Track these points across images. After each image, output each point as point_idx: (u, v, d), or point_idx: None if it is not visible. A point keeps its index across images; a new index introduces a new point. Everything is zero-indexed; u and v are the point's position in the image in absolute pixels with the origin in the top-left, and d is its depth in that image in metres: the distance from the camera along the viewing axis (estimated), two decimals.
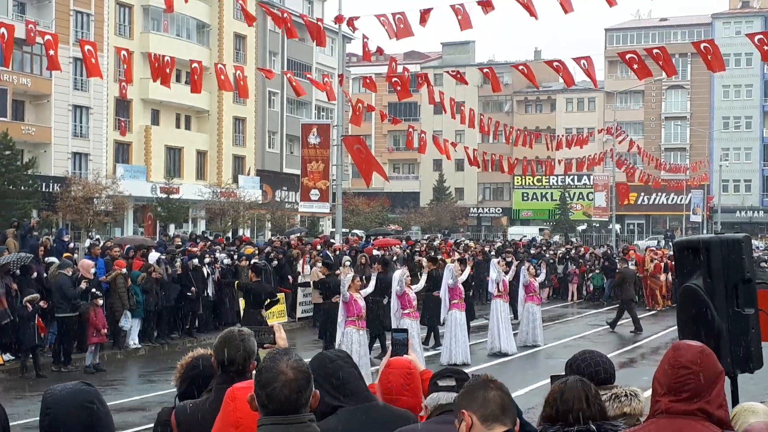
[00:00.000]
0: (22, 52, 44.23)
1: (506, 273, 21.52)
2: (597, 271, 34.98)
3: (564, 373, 4.71)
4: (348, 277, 16.23)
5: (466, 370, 13.95)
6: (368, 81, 27.55)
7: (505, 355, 19.75)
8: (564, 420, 3.74)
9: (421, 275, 19.80)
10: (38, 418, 3.45)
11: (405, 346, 5.16)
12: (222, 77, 21.92)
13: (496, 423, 3.29)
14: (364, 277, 17.31)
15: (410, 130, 33.27)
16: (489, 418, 3.29)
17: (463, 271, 19.85)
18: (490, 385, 3.37)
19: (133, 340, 20.15)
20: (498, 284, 20.52)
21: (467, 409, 3.34)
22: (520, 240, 47.90)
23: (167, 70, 20.48)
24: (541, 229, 70.84)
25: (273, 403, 3.23)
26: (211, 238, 34.74)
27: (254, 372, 3.42)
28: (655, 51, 18.97)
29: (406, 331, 5.42)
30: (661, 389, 3.49)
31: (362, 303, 16.26)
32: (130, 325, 19.81)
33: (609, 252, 38.13)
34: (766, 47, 17.04)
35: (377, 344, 18.81)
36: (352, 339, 15.84)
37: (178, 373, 5.19)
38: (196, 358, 5.16)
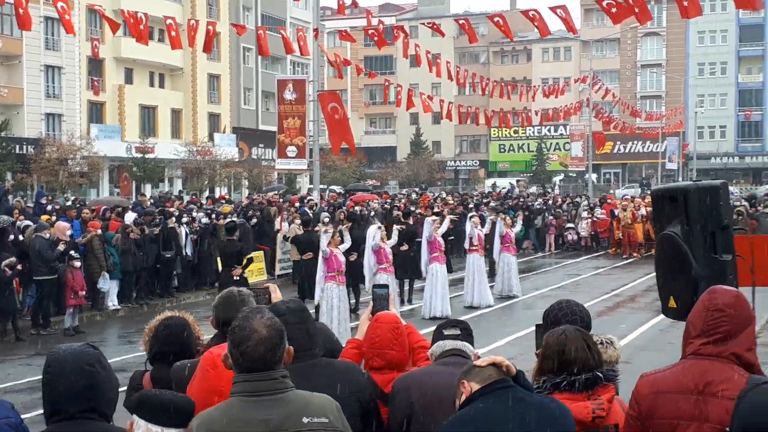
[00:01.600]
0: None
1: (481, 227, 21.54)
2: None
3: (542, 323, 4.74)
4: (327, 232, 16.23)
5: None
6: (344, 34, 27.32)
7: (481, 308, 19.86)
8: (567, 370, 3.78)
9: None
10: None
11: (386, 300, 5.20)
12: (193, 34, 21.60)
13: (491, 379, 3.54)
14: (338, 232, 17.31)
15: (386, 84, 33.06)
16: (487, 379, 3.53)
17: (441, 224, 19.86)
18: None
19: (112, 302, 20.09)
20: (472, 238, 20.57)
21: (466, 380, 3.57)
22: (498, 192, 47.96)
23: (140, 27, 20.21)
24: (517, 181, 71.00)
25: (247, 361, 3.25)
26: (187, 197, 34.61)
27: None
28: None
29: (387, 286, 5.44)
30: (694, 331, 3.64)
31: (342, 258, 16.31)
32: (109, 286, 19.72)
33: (527, 202, 37.48)
34: None
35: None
36: (332, 294, 15.90)
37: (146, 337, 5.17)
38: (166, 319, 5.15)
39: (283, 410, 3.21)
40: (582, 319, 4.78)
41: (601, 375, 3.81)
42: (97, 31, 50.03)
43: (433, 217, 19.94)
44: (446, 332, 4.59)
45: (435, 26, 25.49)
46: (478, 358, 4.41)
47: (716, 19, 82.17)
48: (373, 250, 17.37)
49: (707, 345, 3.56)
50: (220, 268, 18.89)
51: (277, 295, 5.12)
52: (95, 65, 51.64)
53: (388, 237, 18.44)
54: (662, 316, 5.92)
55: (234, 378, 3.29)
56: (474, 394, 3.50)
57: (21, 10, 18.07)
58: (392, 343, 4.79)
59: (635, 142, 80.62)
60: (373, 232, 17.52)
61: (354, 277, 18.49)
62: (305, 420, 3.22)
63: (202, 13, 54.29)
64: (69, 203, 26.60)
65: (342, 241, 16.75)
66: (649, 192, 38.52)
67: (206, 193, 47.49)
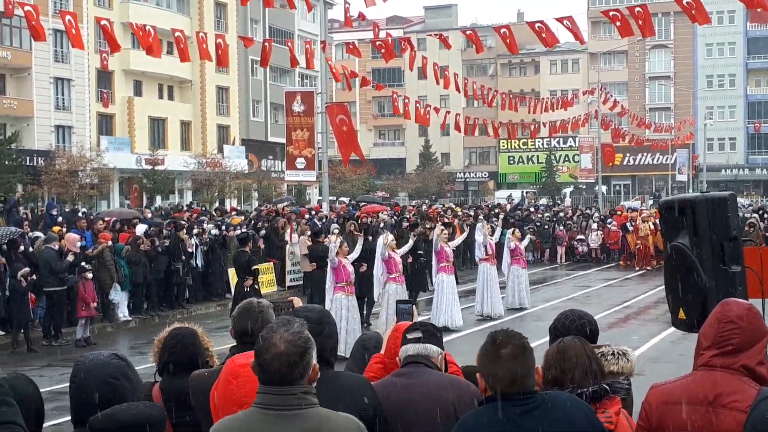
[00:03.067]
0: (0, 25, 43.75)
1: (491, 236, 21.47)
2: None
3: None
4: (335, 243, 16.25)
5: (459, 334, 14.12)
6: (351, 47, 27.41)
7: (492, 318, 19.81)
8: (570, 378, 3.77)
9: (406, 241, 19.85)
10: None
11: (411, 315, 5.21)
12: (204, 46, 21.74)
13: (503, 392, 3.41)
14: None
15: (394, 96, 33.15)
16: (498, 382, 3.41)
17: (449, 235, 19.84)
18: (502, 356, 3.42)
19: (123, 313, 20.15)
20: (485, 247, 20.54)
21: (480, 373, 3.48)
22: (506, 203, 47.92)
23: (149, 39, 20.34)
24: (526, 192, 70.97)
25: (263, 374, 3.24)
26: (198, 208, 34.66)
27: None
28: (636, 10, 18.90)
29: (411, 301, 5.48)
30: (705, 342, 3.65)
31: (350, 268, 16.33)
32: (120, 297, 19.79)
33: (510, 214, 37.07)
34: (693, 11, 16.98)
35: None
36: (341, 305, 15.91)
37: (156, 348, 5.21)
38: (175, 330, 5.18)
39: (297, 427, 3.18)
40: (590, 327, 4.82)
41: (607, 387, 3.80)
42: (106, 43, 50.19)
43: (441, 228, 19.94)
44: (408, 336, 4.56)
45: (442, 38, 25.59)
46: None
47: (724, 32, 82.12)
48: (382, 260, 17.35)
49: (718, 357, 3.56)
50: (232, 279, 18.97)
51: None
52: (104, 77, 51.87)
53: (398, 247, 18.45)
54: (674, 327, 5.92)
55: (258, 389, 3.29)
56: (489, 397, 3.45)
57: (33, 22, 18.24)
58: None
59: (645, 154, 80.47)
60: (382, 241, 17.55)
61: (364, 289, 18.50)
62: None
63: (210, 26, 54.49)
64: (81, 214, 26.71)
65: (350, 251, 16.78)
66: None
67: (215, 205, 47.56)
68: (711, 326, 3.62)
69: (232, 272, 23.54)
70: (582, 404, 3.52)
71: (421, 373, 4.38)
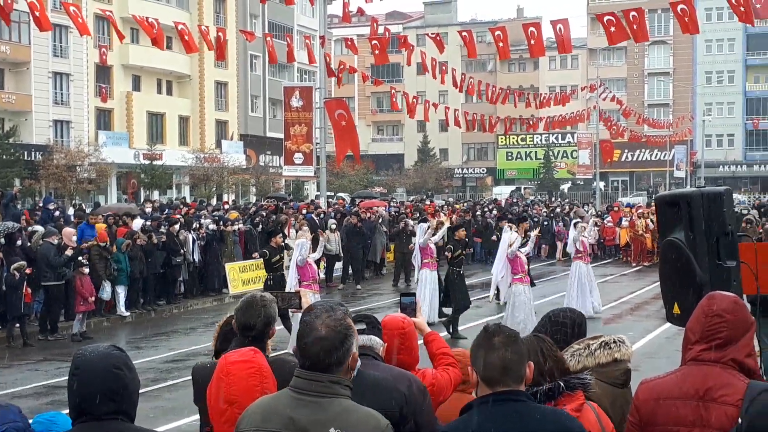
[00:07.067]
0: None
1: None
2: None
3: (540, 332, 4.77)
4: (304, 240, 16.12)
5: (436, 329, 13.85)
6: (350, 42, 27.39)
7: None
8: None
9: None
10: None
11: (413, 310, 5.18)
12: (207, 38, 21.82)
13: (496, 385, 3.29)
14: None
15: (393, 91, 33.16)
16: (489, 381, 3.30)
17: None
18: (494, 344, 3.32)
19: (120, 309, 20.04)
20: (576, 243, 20.58)
21: (472, 366, 3.39)
22: (506, 199, 47.91)
23: (153, 31, 20.42)
24: (523, 188, 70.99)
25: (305, 358, 3.26)
26: (195, 202, 34.66)
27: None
28: (632, 14, 19.03)
29: (414, 294, 5.41)
30: (693, 337, 3.64)
31: (315, 267, 16.50)
32: (109, 295, 19.56)
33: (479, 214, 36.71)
34: (742, 8, 17.10)
35: None
36: (311, 300, 15.88)
37: (215, 333, 5.26)
38: (231, 316, 5.26)
39: (316, 414, 3.18)
40: (570, 325, 4.86)
41: (562, 384, 3.73)
42: (105, 38, 50.22)
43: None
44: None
45: (438, 39, 25.57)
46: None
47: (723, 28, 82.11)
48: (420, 247, 18.72)
49: (707, 351, 3.54)
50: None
51: (307, 299, 5.08)
52: (103, 72, 51.80)
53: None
54: (669, 323, 5.92)
55: (295, 371, 3.31)
56: (472, 402, 3.34)
57: (37, 13, 18.26)
58: (399, 347, 4.74)
59: (643, 150, 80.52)
60: (423, 230, 18.92)
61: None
62: (331, 430, 3.15)
63: (209, 21, 54.46)
64: (78, 210, 26.69)
65: (314, 250, 17.18)
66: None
67: (213, 200, 47.56)
68: (698, 320, 3.60)
69: (229, 267, 23.55)
70: (571, 420, 3.39)
71: (370, 366, 4.23)
